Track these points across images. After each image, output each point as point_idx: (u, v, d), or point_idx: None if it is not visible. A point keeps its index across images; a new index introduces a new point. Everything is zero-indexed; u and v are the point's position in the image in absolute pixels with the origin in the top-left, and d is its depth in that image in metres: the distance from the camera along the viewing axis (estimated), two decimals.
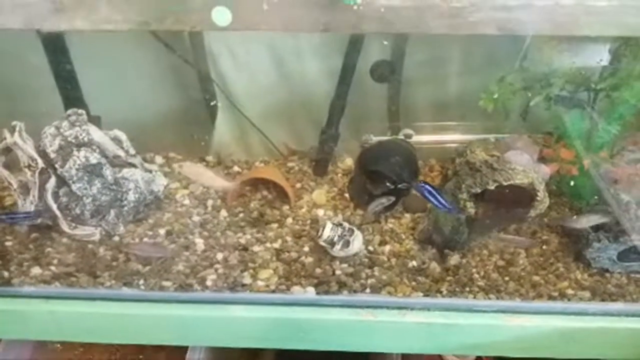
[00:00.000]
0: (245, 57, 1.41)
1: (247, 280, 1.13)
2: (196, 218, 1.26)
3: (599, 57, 1.17)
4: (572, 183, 1.19)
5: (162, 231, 1.23)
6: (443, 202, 1.11)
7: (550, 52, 1.09)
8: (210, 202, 1.30)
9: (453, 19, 0.76)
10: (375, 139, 1.41)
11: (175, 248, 1.19)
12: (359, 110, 1.48)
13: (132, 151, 1.23)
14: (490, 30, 0.76)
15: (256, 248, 1.20)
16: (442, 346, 1.16)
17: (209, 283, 1.12)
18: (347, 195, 1.35)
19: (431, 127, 1.50)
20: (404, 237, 1.26)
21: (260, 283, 1.13)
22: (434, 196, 1.12)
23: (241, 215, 1.28)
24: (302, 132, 1.50)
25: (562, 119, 1.21)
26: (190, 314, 1.11)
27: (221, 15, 0.74)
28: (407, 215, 1.32)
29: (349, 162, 1.47)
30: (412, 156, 1.36)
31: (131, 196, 1.19)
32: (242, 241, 1.21)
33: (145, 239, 1.20)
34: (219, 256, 1.17)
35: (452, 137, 1.46)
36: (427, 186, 1.12)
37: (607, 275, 1.17)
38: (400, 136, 1.46)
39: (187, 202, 1.30)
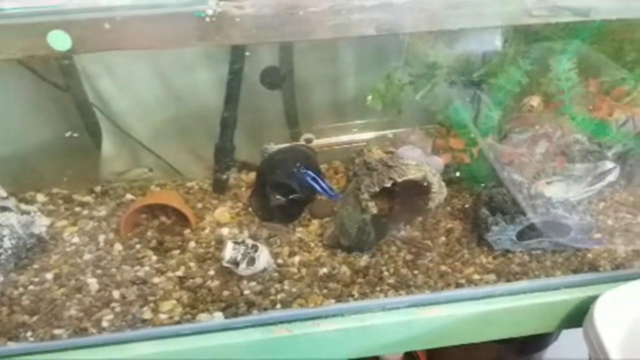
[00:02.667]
0: (126, 75, 1.33)
1: (147, 315, 1.05)
2: (87, 256, 1.17)
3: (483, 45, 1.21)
4: (457, 174, 1.22)
5: (49, 275, 1.12)
6: (326, 187, 1.11)
7: (426, 45, 1.10)
8: (102, 237, 1.21)
9: (312, 24, 0.73)
10: (275, 147, 1.38)
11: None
12: (258, 120, 1.45)
13: (2, 193, 1.12)
14: (351, 33, 0.75)
15: (156, 279, 1.12)
16: (361, 349, 1.14)
17: (105, 324, 1.04)
18: (250, 209, 1.31)
19: (334, 128, 1.49)
20: (312, 245, 1.23)
21: (162, 316, 1.06)
22: (317, 182, 1.11)
23: (138, 246, 1.20)
24: (199, 148, 1.44)
25: (450, 109, 1.23)
26: (89, 359, 1.02)
27: (58, 40, 0.67)
28: (315, 222, 1.29)
29: (252, 174, 1.42)
30: (313, 161, 1.33)
31: (7, 243, 1.08)
32: (141, 274, 1.13)
33: (31, 287, 1.10)
34: (115, 294, 1.09)
35: (354, 137, 1.47)
36: (310, 172, 1.11)
37: (510, 255, 1.20)
38: (301, 141, 1.44)
39: (76, 240, 1.20)
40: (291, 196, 1.18)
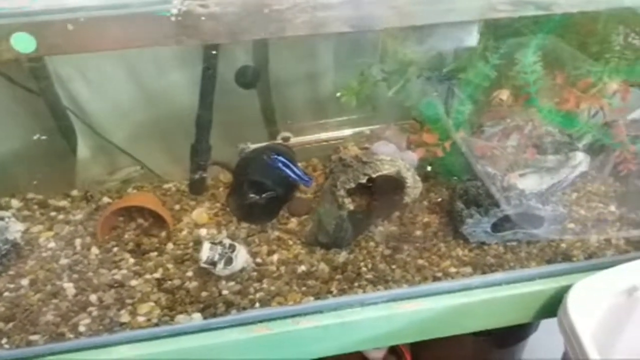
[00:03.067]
0: (100, 77, 1.32)
1: (125, 318, 1.05)
2: (64, 261, 1.16)
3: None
4: (429, 168, 1.23)
5: (24, 281, 1.11)
6: (298, 173, 1.12)
7: (397, 42, 1.11)
8: (78, 242, 1.20)
9: (278, 22, 0.74)
10: (252, 146, 1.38)
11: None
12: (236, 119, 1.44)
13: None
14: (319, 30, 0.75)
15: (134, 282, 1.12)
16: (341, 346, 1.15)
17: (82, 328, 1.03)
18: (228, 209, 1.31)
19: (311, 126, 1.50)
20: (291, 242, 1.23)
21: (140, 319, 1.05)
22: (288, 167, 1.11)
23: (115, 249, 1.19)
24: (175, 150, 1.43)
25: (422, 104, 1.24)
26: None
27: (22, 42, 0.67)
28: (294, 220, 1.29)
29: (230, 174, 1.42)
30: (290, 159, 1.34)
31: None
32: (118, 277, 1.13)
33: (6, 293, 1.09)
34: (93, 298, 1.08)
35: (332, 134, 1.47)
36: (280, 158, 1.11)
37: (485, 247, 1.21)
38: (278, 140, 1.44)
39: (52, 245, 1.19)
40: (264, 194, 1.19)
